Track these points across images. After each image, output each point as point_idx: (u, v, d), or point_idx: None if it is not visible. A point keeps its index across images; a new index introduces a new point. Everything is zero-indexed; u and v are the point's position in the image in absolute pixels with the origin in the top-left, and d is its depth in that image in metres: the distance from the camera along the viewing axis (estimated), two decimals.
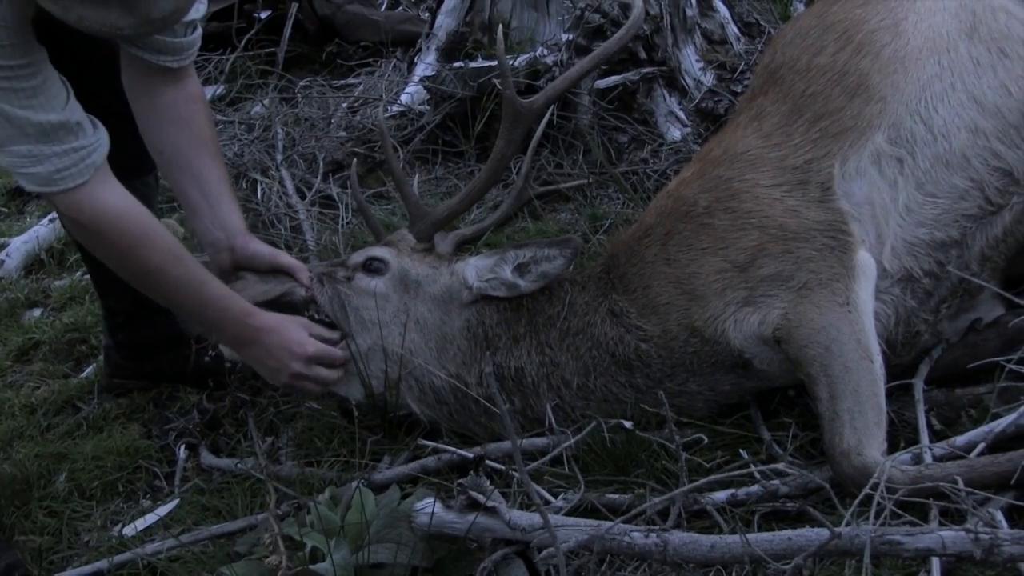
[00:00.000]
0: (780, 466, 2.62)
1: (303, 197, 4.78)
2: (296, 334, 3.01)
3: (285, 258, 3.20)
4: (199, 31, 3.06)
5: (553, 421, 3.00)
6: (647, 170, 4.52)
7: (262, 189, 4.86)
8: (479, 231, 3.58)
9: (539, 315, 3.10)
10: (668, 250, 3.01)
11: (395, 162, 3.42)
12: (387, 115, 5.14)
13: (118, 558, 2.89)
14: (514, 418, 3.03)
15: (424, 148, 5.00)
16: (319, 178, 4.91)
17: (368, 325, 3.09)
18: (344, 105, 5.64)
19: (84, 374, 4.01)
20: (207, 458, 3.38)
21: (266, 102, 5.72)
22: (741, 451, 2.79)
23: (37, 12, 2.57)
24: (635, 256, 3.08)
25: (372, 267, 3.15)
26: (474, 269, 3.14)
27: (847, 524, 2.10)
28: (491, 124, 4.80)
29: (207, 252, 3.29)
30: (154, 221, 2.91)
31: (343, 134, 5.29)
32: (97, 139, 2.79)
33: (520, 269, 3.09)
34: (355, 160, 3.76)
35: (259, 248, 3.18)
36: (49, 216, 5.06)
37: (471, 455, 2.95)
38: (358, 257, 3.21)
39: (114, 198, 2.82)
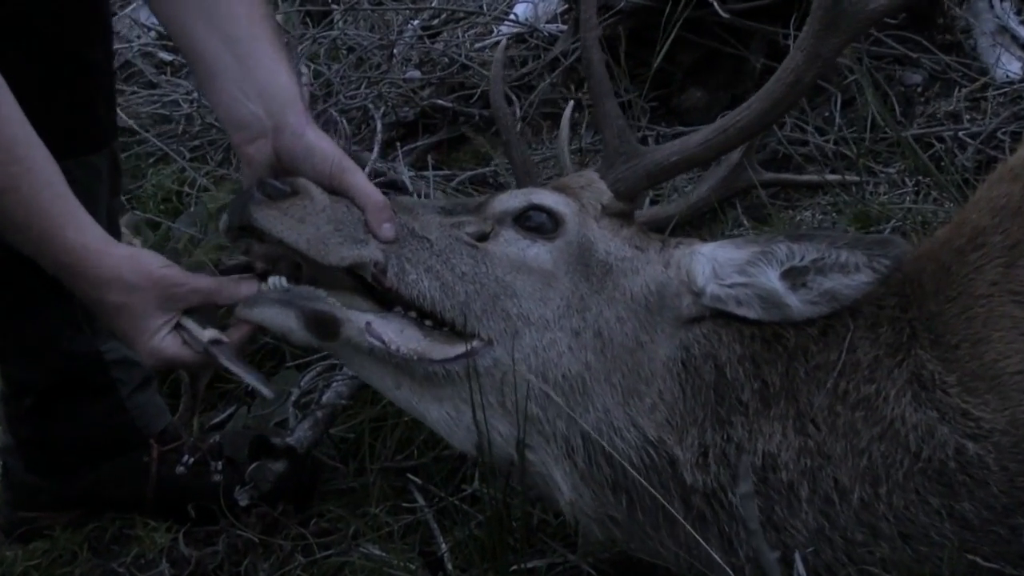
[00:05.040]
0: None
1: None
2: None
3: (357, 178, 3.02)
4: None
5: None
6: (961, 133, 4.51)
7: None
8: (656, 217, 3.62)
9: (801, 362, 3.00)
10: (1017, 276, 2.92)
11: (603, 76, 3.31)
12: (492, 40, 5.16)
13: None
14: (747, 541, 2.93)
15: (554, 97, 5.01)
16: (375, 151, 4.97)
17: (513, 320, 3.00)
18: (415, 23, 5.74)
19: None
20: None
21: (280, 19, 5.83)
22: None
23: None
24: (954, 283, 3.00)
25: (533, 223, 3.07)
26: (710, 263, 3.04)
27: None
28: (675, 57, 4.86)
29: (234, 141, 3.18)
30: None
31: (415, 74, 5.34)
32: None
33: (792, 277, 3.00)
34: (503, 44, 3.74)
35: (319, 143, 3.04)
36: None
37: None
38: (513, 201, 3.11)
39: None
